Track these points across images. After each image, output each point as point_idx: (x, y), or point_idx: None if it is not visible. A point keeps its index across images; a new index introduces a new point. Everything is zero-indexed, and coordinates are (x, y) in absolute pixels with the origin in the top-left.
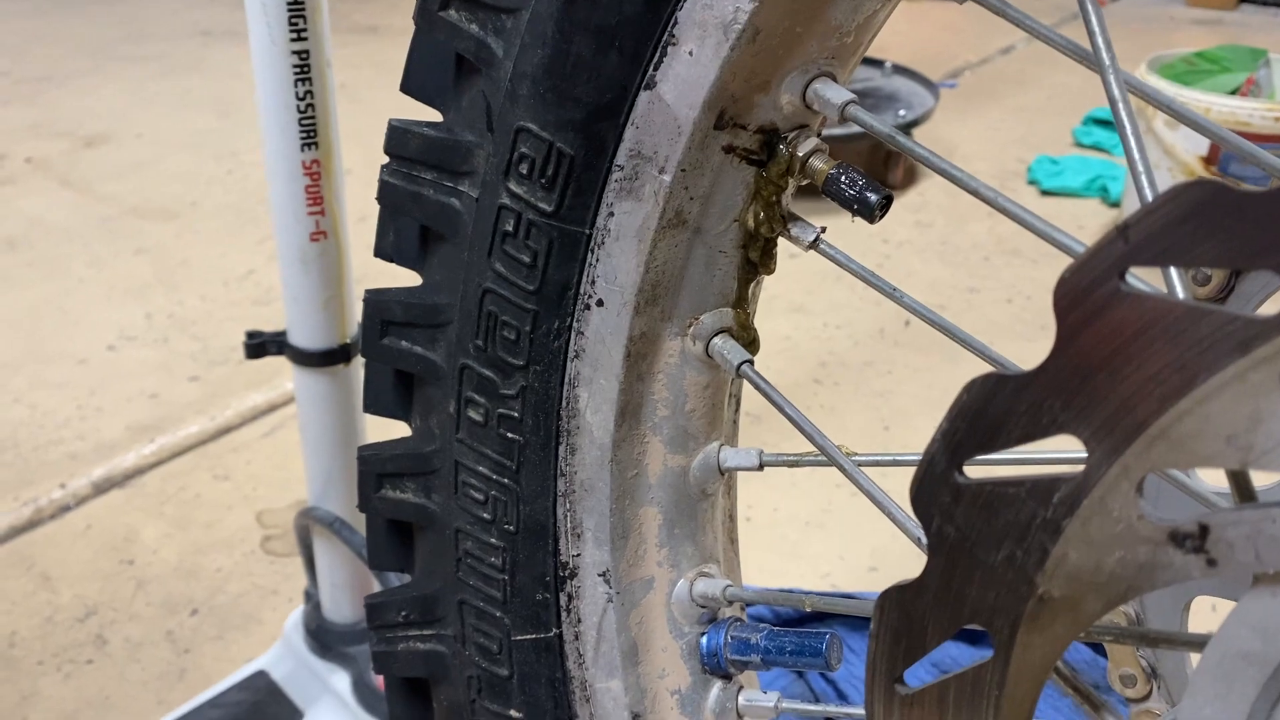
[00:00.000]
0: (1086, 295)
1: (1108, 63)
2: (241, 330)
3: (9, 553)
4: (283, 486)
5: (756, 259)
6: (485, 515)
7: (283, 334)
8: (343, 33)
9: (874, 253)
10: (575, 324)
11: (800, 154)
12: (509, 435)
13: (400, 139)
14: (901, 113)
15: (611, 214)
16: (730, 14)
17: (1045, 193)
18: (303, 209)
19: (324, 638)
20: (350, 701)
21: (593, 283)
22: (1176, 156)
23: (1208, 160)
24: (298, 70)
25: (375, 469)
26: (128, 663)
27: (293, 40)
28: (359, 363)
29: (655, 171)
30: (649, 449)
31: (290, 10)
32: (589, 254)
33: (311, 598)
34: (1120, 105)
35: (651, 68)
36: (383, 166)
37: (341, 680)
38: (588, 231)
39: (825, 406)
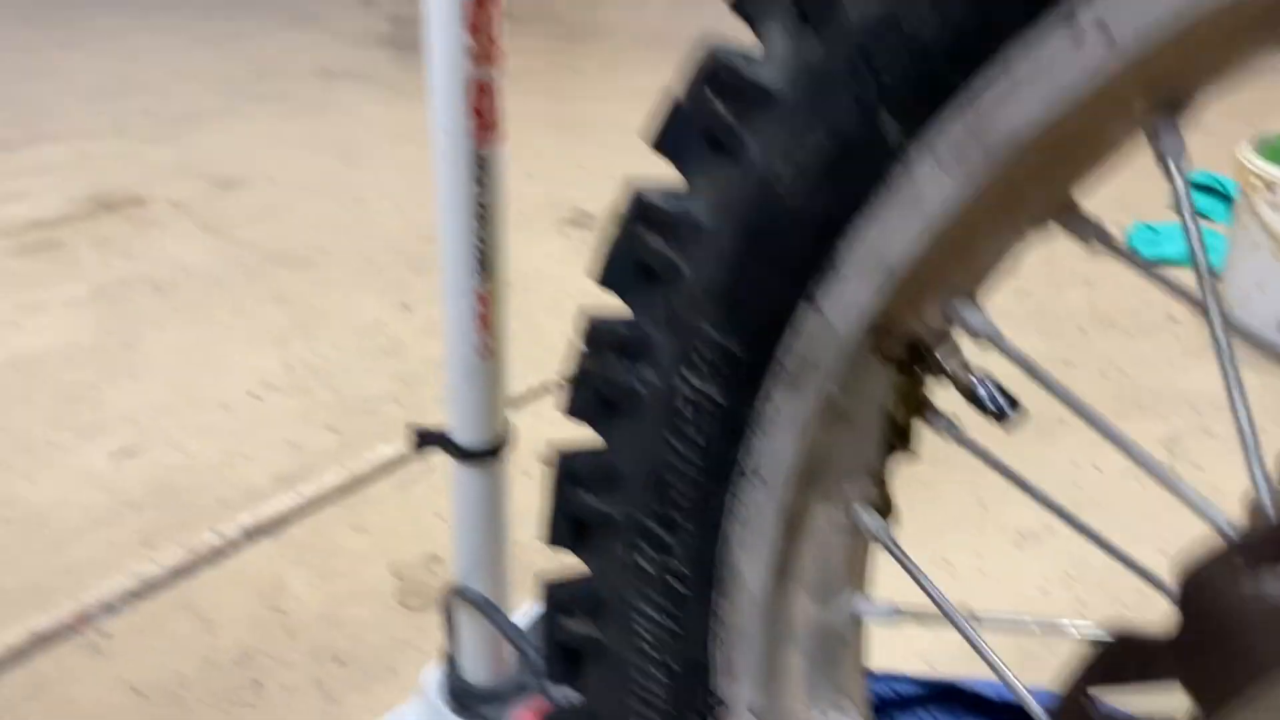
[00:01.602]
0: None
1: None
2: (373, 381)
3: (174, 595)
4: (414, 540)
5: (896, 441)
6: (651, 650)
7: (444, 432)
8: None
9: None
10: (737, 494)
11: (943, 363)
12: (674, 584)
13: (597, 331)
14: None
15: (773, 403)
16: (894, 259)
17: (1147, 259)
18: (471, 329)
19: (462, 698)
20: None
21: (753, 460)
22: (1277, 237)
23: None
24: (479, 218)
25: (558, 601)
26: (283, 709)
27: (477, 190)
28: (507, 458)
29: (813, 371)
30: (796, 600)
31: (477, 169)
32: (752, 436)
33: (449, 659)
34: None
35: (816, 290)
36: (580, 350)
37: None
38: (751, 418)
39: (924, 482)
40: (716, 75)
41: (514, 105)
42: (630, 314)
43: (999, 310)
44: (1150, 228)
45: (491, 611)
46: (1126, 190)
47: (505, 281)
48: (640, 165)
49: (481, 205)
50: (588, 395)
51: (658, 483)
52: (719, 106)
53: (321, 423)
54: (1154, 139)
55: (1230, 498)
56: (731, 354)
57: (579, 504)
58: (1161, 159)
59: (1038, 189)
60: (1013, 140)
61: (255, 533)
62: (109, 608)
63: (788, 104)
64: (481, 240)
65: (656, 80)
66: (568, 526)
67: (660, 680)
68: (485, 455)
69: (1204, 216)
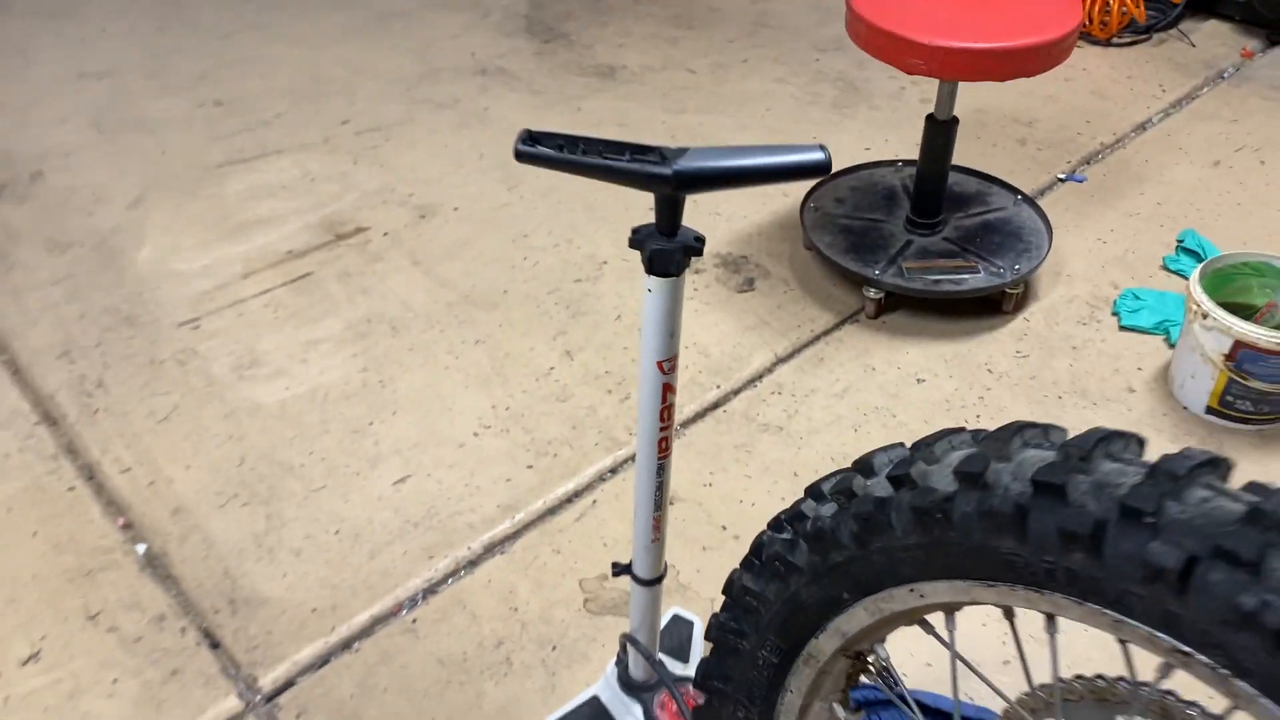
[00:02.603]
0: None
1: None
2: (553, 425)
3: (450, 594)
4: (592, 562)
5: (847, 683)
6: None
7: (629, 565)
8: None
9: (979, 384)
10: (783, 698)
11: (871, 661)
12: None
13: (712, 627)
14: (1017, 266)
15: (789, 687)
16: (849, 629)
17: (1122, 328)
18: (649, 530)
19: (629, 683)
20: None
21: (789, 686)
22: (1206, 351)
23: (1228, 357)
24: (660, 454)
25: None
26: (525, 681)
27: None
28: (662, 583)
29: (806, 667)
30: None
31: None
32: (785, 690)
33: (621, 660)
34: None
35: (820, 630)
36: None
37: (638, 709)
38: (786, 683)
39: None
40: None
41: (627, 112)
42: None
43: (1001, 372)
44: (1135, 295)
45: (641, 647)
46: (1133, 244)
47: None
48: (766, 207)
49: (662, 444)
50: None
51: (734, 706)
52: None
53: (523, 462)
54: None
55: None
56: (772, 661)
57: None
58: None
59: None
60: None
61: (492, 548)
62: (412, 602)
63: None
64: (660, 474)
65: (765, 85)
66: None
67: None
68: (654, 581)
69: (1182, 275)
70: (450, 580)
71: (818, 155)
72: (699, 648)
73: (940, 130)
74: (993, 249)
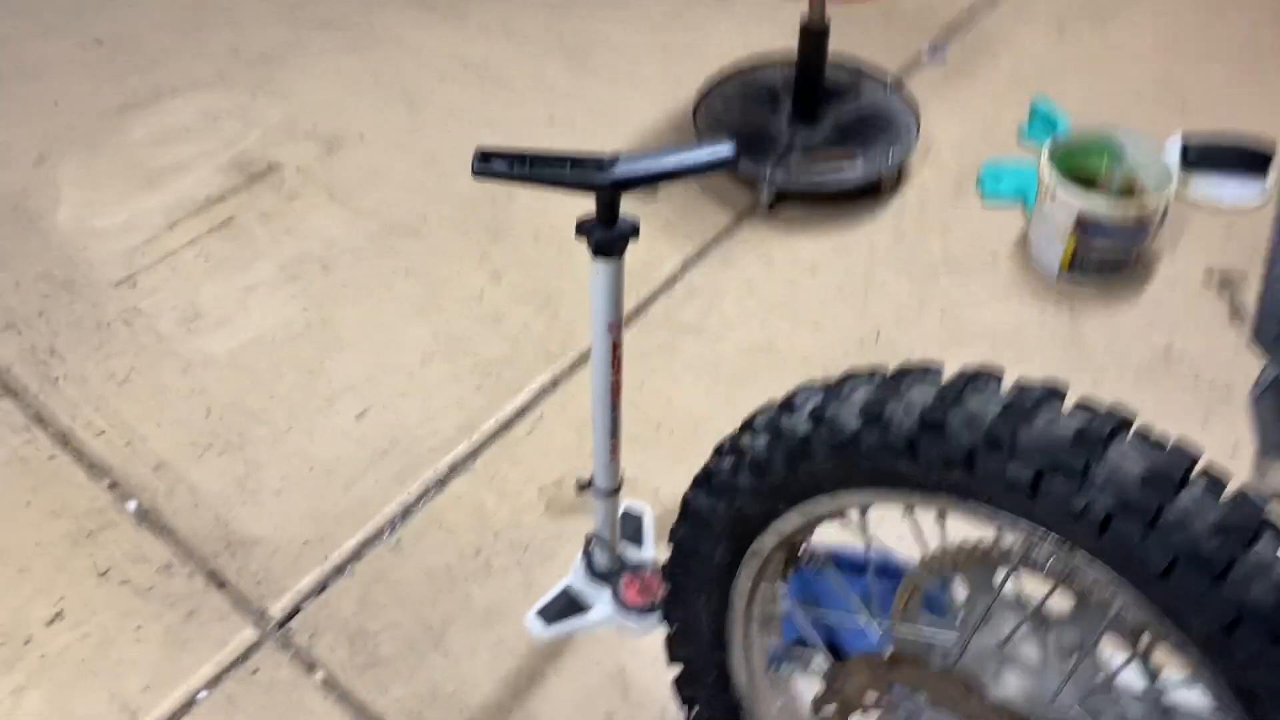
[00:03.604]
0: None
1: None
2: (492, 346)
3: (425, 514)
4: (547, 470)
5: (786, 568)
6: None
7: (590, 481)
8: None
9: (865, 268)
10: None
11: (802, 551)
12: (711, 604)
13: (674, 534)
14: (892, 155)
15: (740, 575)
16: (786, 528)
17: (985, 200)
18: (607, 449)
19: (595, 572)
20: (611, 604)
21: (740, 571)
22: (1057, 222)
23: (1076, 226)
24: (613, 395)
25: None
26: (505, 581)
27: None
28: (620, 491)
29: (753, 559)
30: (751, 627)
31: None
32: (736, 577)
33: (588, 554)
34: None
35: (765, 528)
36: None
37: (606, 592)
38: (738, 573)
39: None
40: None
41: (513, 19)
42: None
43: (883, 252)
44: (996, 168)
45: (611, 548)
46: (994, 118)
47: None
48: (659, 107)
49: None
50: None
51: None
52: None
53: (470, 384)
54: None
55: None
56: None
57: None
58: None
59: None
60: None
61: (456, 467)
62: (393, 524)
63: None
64: (614, 410)
65: None
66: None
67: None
68: (614, 492)
69: (1037, 144)
70: (423, 501)
71: (726, 153)
72: (650, 533)
73: (813, 40)
74: (868, 139)
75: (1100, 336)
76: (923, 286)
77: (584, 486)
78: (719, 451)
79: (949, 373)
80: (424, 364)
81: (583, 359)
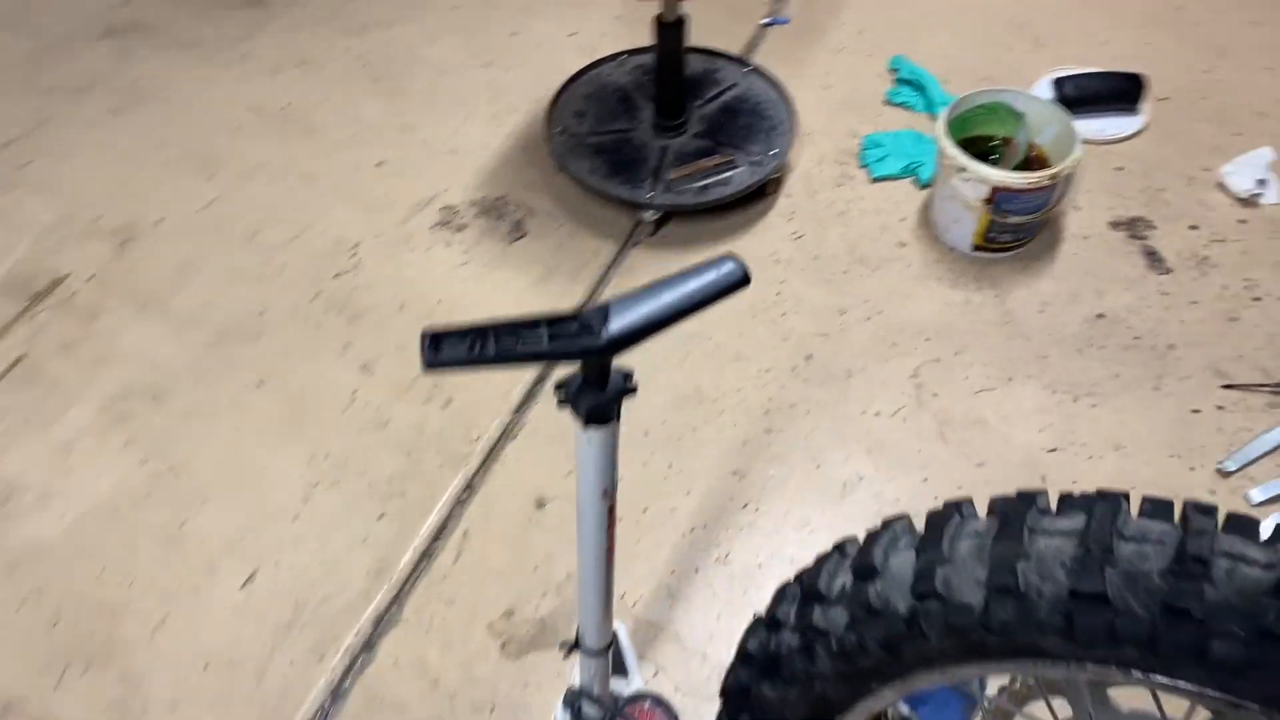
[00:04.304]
0: None
1: None
2: (384, 458)
3: (360, 692)
4: (489, 601)
5: None
6: None
7: (577, 641)
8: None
9: (772, 279)
10: None
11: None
12: None
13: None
14: (773, 150)
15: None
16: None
17: (874, 180)
18: (598, 610)
19: None
20: None
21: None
22: (966, 200)
23: (987, 201)
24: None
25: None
26: None
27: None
28: (610, 652)
29: None
30: None
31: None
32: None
33: (574, 706)
34: None
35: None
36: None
37: None
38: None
39: (778, 457)
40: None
41: (303, 46)
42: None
43: (786, 260)
44: (875, 141)
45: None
46: (854, 85)
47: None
48: (501, 130)
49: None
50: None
51: None
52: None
53: (371, 513)
54: None
55: (960, 425)
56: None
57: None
58: None
59: None
60: None
61: (381, 622)
62: (324, 713)
63: None
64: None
65: None
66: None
67: None
68: (605, 650)
69: (907, 107)
70: (353, 675)
71: (736, 271)
72: (632, 655)
73: (671, 32)
74: (743, 134)
75: (1031, 313)
76: (838, 291)
77: (571, 648)
78: (775, 624)
79: (1057, 496)
80: (308, 499)
81: (496, 450)
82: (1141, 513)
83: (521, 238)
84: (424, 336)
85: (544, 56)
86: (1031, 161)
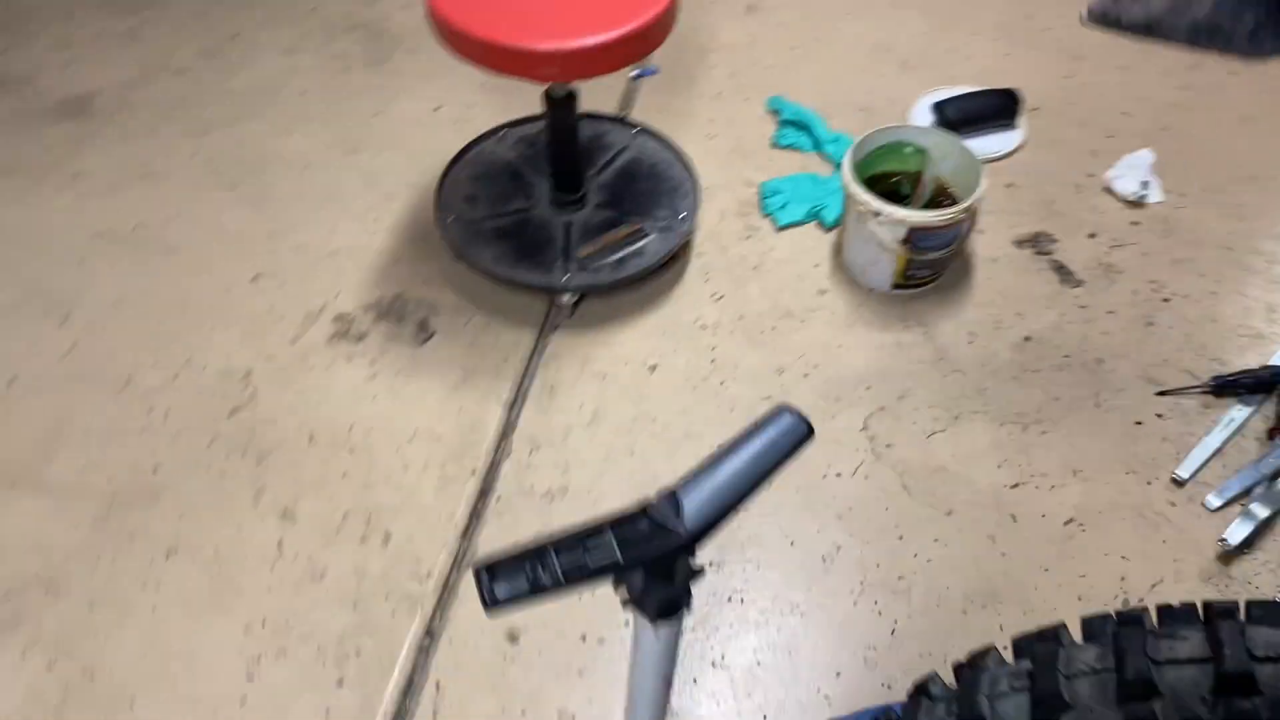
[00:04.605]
0: None
1: None
2: (331, 617)
3: None
4: None
5: None
6: None
7: None
8: None
9: (703, 346)
10: None
11: None
12: None
13: None
14: (681, 213)
15: None
16: None
17: (781, 228)
18: None
19: None
20: None
21: None
22: (884, 242)
23: (904, 241)
24: None
25: None
26: None
27: None
28: None
29: None
30: None
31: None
32: None
33: None
34: None
35: None
36: None
37: None
38: None
39: (752, 539)
40: None
41: (140, 158)
42: None
43: (712, 324)
44: (776, 189)
45: None
46: (739, 131)
47: None
48: (383, 227)
49: None
50: None
51: None
52: None
53: (329, 680)
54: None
55: (921, 473)
56: None
57: None
58: None
59: None
60: None
61: None
62: None
63: None
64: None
65: (277, 62)
66: None
67: None
68: None
69: (796, 149)
70: None
71: (799, 424)
72: None
73: (563, 107)
74: (646, 200)
75: (961, 346)
76: (771, 349)
77: None
78: None
79: (1156, 610)
80: (254, 676)
81: (451, 585)
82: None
83: (430, 338)
84: (477, 574)
85: (413, 136)
86: (939, 194)
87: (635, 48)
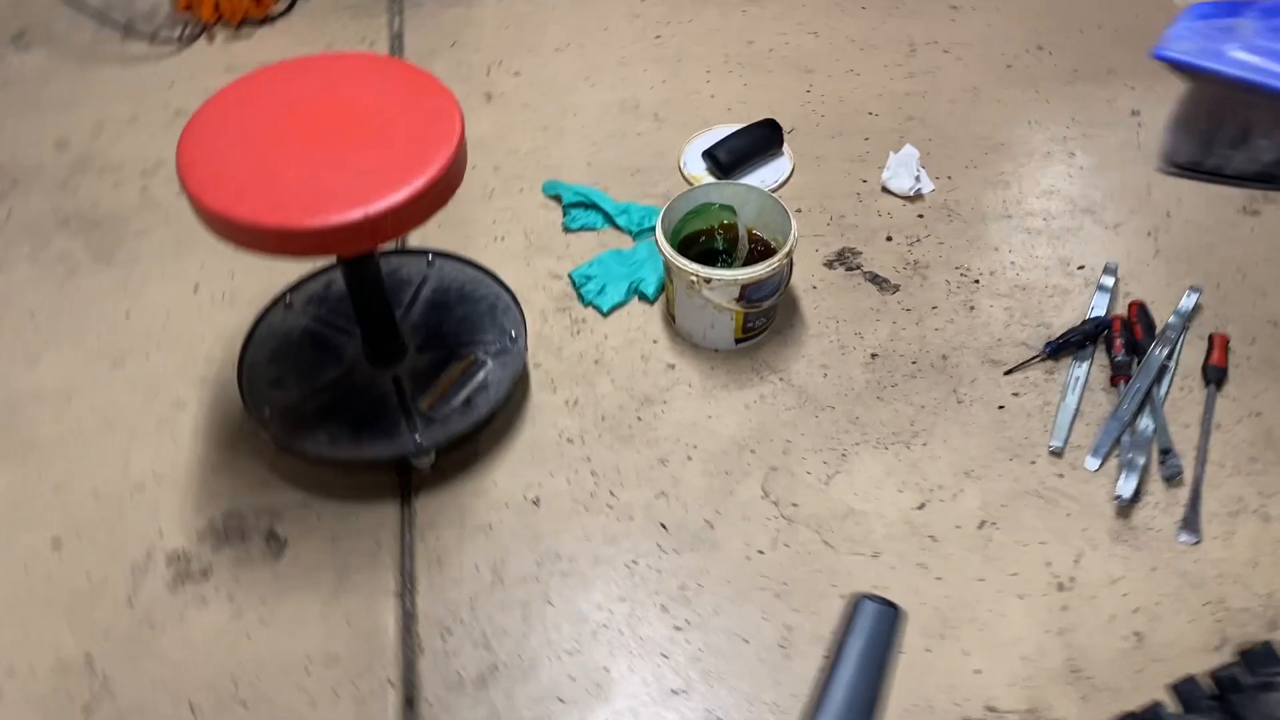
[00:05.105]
0: None
1: None
2: None
3: None
4: None
5: None
6: None
7: None
8: None
9: (576, 461)
10: None
11: None
12: None
13: None
14: (512, 332)
15: None
16: None
17: (607, 313)
18: None
19: None
20: None
21: None
22: (719, 304)
23: (739, 298)
24: None
25: None
26: None
27: None
28: None
29: None
30: None
31: None
32: None
33: None
34: None
35: None
36: None
37: None
38: None
39: (706, 650)
40: None
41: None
42: None
43: (576, 435)
44: (586, 275)
45: None
46: (537, 208)
47: None
48: (156, 453)
49: None
50: None
51: None
52: None
53: None
54: None
55: (835, 523)
56: None
57: None
58: None
59: None
60: None
61: None
62: None
63: None
64: None
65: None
66: None
67: None
68: None
69: (590, 228)
70: None
71: (883, 610)
72: None
73: (362, 266)
74: (468, 327)
75: (819, 382)
76: (644, 443)
77: None
78: None
79: None
80: None
81: None
82: None
83: (284, 548)
84: None
85: (179, 327)
86: (754, 242)
87: (442, 195)
